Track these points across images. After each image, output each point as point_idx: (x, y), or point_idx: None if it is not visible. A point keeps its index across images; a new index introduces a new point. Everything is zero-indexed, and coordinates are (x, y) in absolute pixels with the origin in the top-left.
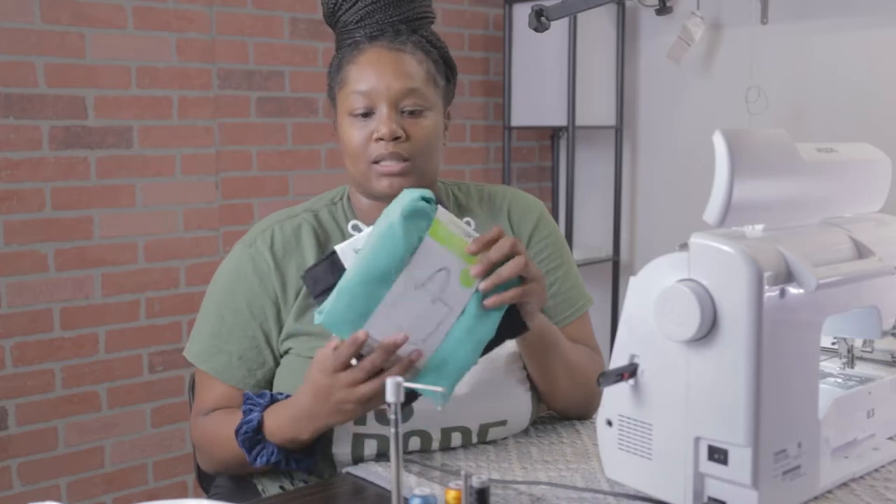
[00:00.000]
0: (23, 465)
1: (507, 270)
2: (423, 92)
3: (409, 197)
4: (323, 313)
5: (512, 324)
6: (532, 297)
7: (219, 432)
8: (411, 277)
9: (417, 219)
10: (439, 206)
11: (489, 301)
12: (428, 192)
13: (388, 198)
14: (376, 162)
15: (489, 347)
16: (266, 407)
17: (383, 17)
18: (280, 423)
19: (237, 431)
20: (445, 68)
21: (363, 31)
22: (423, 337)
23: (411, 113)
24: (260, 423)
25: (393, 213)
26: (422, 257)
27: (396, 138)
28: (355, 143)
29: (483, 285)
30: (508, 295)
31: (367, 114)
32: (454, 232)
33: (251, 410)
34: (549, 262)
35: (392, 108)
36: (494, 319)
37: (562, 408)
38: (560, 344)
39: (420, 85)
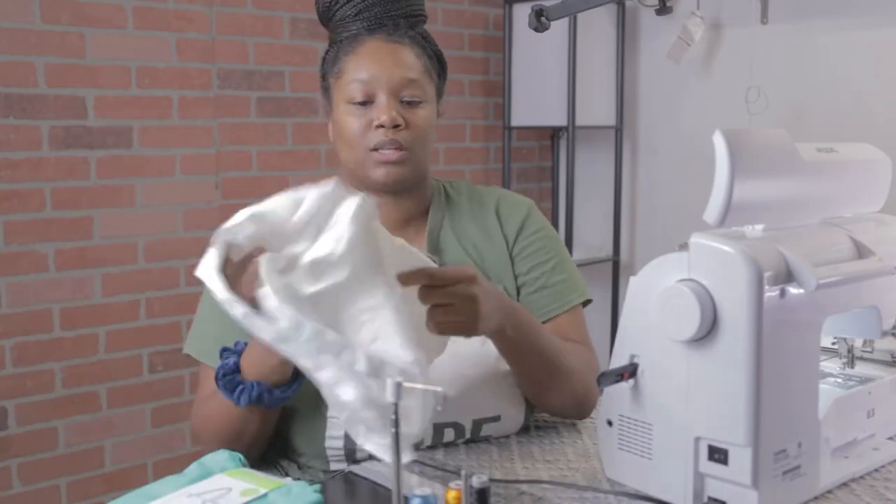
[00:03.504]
0: (23, 465)
1: None
2: (421, 83)
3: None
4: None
5: None
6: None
7: (211, 404)
8: None
9: None
10: None
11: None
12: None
13: (383, 186)
14: (375, 149)
15: None
16: (241, 353)
17: (382, 10)
18: (252, 359)
19: (217, 378)
20: (438, 65)
21: (361, 24)
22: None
23: (409, 103)
24: (236, 365)
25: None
26: None
27: (396, 126)
28: (353, 131)
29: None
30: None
31: (366, 102)
32: None
33: (227, 357)
34: (536, 256)
35: (392, 96)
36: None
37: (552, 409)
38: (538, 343)
39: (418, 76)
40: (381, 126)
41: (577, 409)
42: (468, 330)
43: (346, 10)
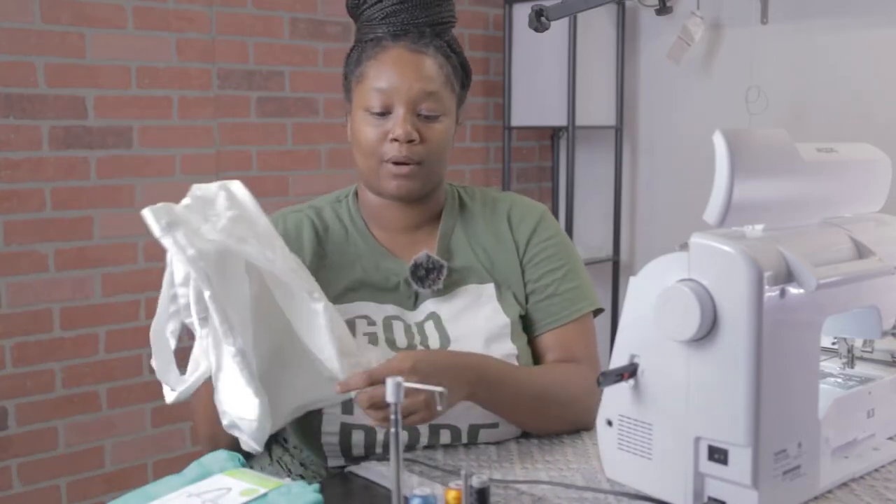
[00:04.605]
0: (23, 465)
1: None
2: (441, 96)
3: None
4: None
5: None
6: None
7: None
8: None
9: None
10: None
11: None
12: None
13: (394, 198)
14: (388, 161)
15: None
16: None
17: (408, 17)
18: None
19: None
20: (462, 74)
21: (387, 28)
22: None
23: (427, 117)
24: None
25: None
26: None
27: (411, 141)
28: (369, 141)
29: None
30: None
31: (384, 113)
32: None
33: None
34: (546, 264)
35: (409, 109)
36: None
37: (548, 435)
38: (519, 391)
39: (438, 88)
40: (396, 140)
41: (574, 430)
42: (424, 420)
43: (372, 11)
